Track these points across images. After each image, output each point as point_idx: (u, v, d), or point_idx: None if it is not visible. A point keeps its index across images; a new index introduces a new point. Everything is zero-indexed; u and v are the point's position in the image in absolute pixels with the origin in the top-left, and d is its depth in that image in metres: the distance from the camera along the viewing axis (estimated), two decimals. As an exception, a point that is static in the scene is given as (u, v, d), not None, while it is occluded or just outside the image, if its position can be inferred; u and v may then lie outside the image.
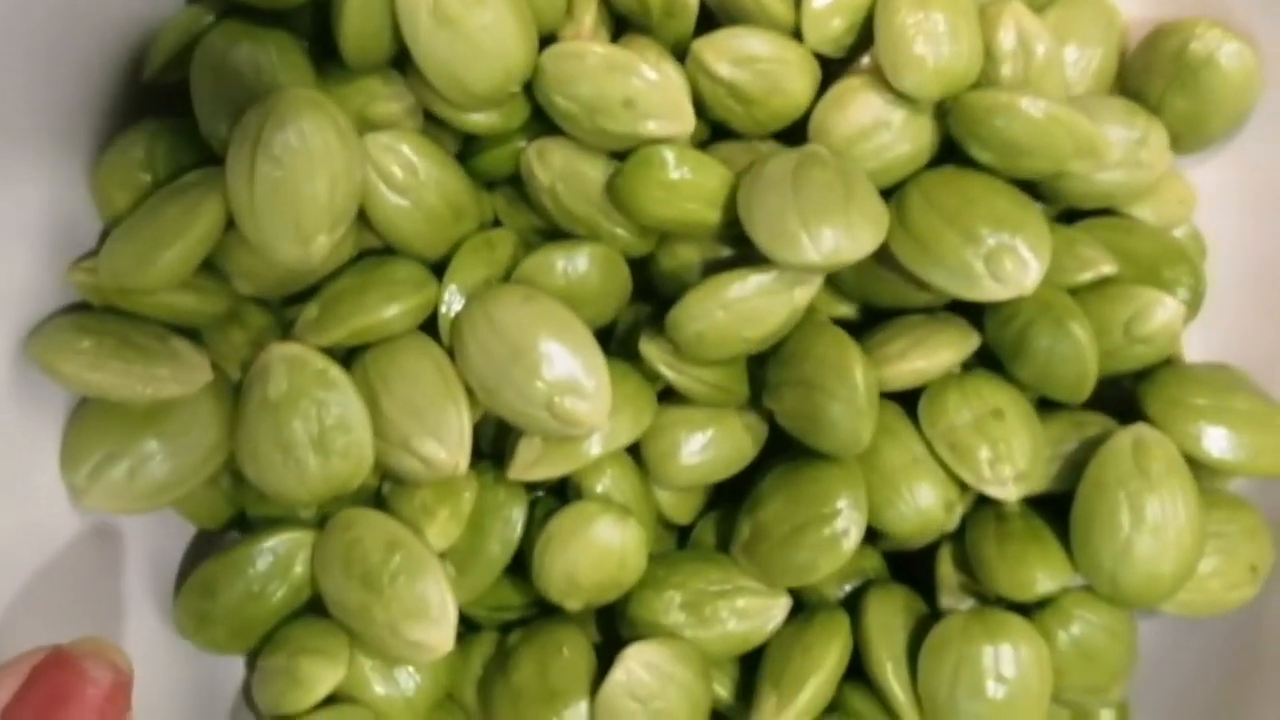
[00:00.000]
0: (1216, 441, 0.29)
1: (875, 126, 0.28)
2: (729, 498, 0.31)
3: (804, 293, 0.27)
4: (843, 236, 0.26)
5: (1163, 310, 0.29)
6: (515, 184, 0.30)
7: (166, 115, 0.27)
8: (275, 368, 0.27)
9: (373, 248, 0.29)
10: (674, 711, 0.28)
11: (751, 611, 0.29)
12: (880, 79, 0.28)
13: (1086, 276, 0.29)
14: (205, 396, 0.27)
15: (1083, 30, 0.31)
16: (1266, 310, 0.32)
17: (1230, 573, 0.29)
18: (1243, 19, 0.30)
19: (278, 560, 0.28)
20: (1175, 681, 0.31)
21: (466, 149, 0.30)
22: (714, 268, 0.29)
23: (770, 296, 0.27)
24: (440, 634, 0.26)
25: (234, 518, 0.30)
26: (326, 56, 0.28)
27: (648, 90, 0.27)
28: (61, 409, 0.27)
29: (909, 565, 0.31)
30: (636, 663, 0.27)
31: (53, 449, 0.27)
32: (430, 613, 0.27)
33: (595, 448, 0.28)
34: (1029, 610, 0.28)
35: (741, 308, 0.27)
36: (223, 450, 0.28)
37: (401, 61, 0.28)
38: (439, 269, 0.29)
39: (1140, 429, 0.28)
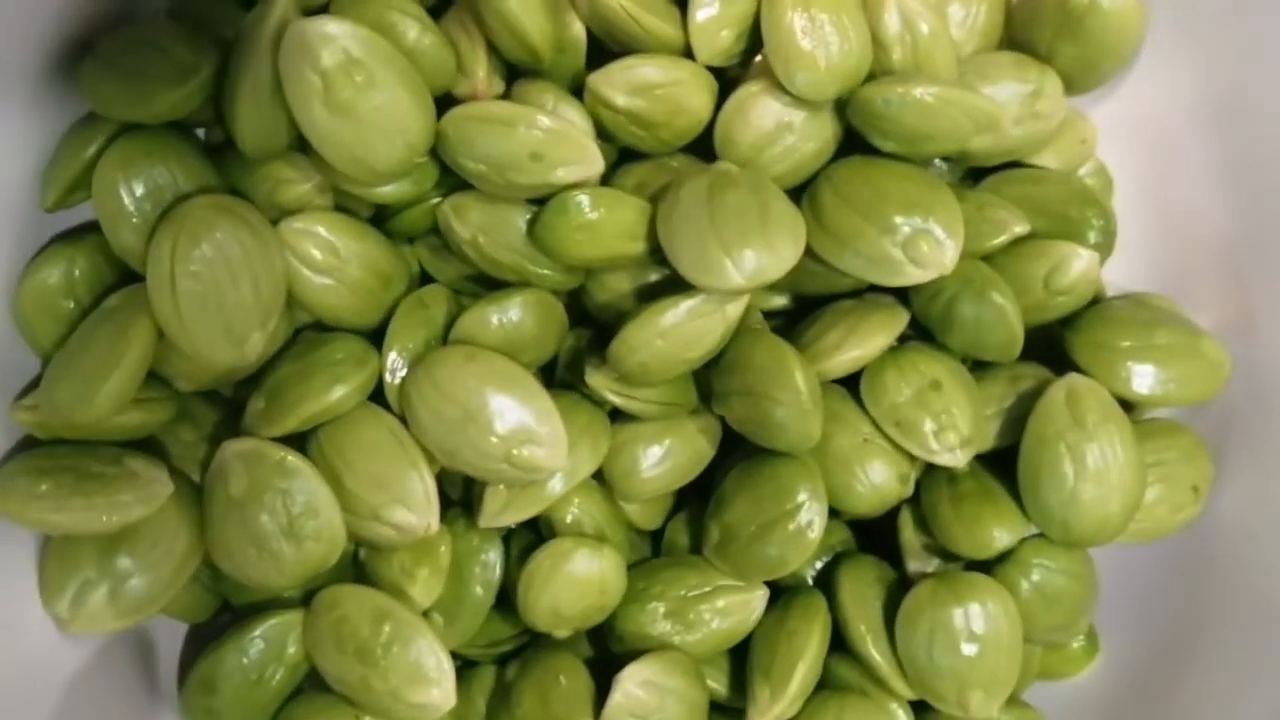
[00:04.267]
0: (1145, 380, 0.30)
1: (779, 130, 0.29)
2: (695, 492, 0.32)
3: (736, 308, 0.28)
4: (764, 255, 0.26)
5: (1079, 261, 0.30)
6: (437, 234, 0.30)
7: (78, 237, 0.27)
8: (232, 465, 0.28)
9: (308, 324, 0.30)
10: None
11: (733, 609, 0.30)
12: (777, 82, 0.28)
13: (1001, 240, 0.30)
14: (170, 505, 0.28)
15: (964, -14, 0.32)
16: (1171, 233, 0.33)
17: (1174, 497, 0.31)
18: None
19: (270, 645, 0.29)
20: (1138, 599, 0.33)
21: (383, 211, 0.30)
22: (645, 292, 0.30)
23: (704, 318, 0.28)
24: (442, 692, 0.27)
25: (220, 607, 0.31)
26: (229, 144, 0.28)
27: (552, 140, 0.27)
28: (33, 538, 0.28)
29: (871, 529, 0.33)
30: (632, 684, 0.28)
31: (33, 582, 0.27)
32: (429, 674, 0.27)
33: (559, 486, 0.29)
34: (991, 565, 0.30)
35: (678, 333, 0.28)
36: (197, 552, 0.28)
37: (304, 139, 0.27)
38: (377, 335, 0.29)
39: (1072, 380, 0.29)
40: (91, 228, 0.27)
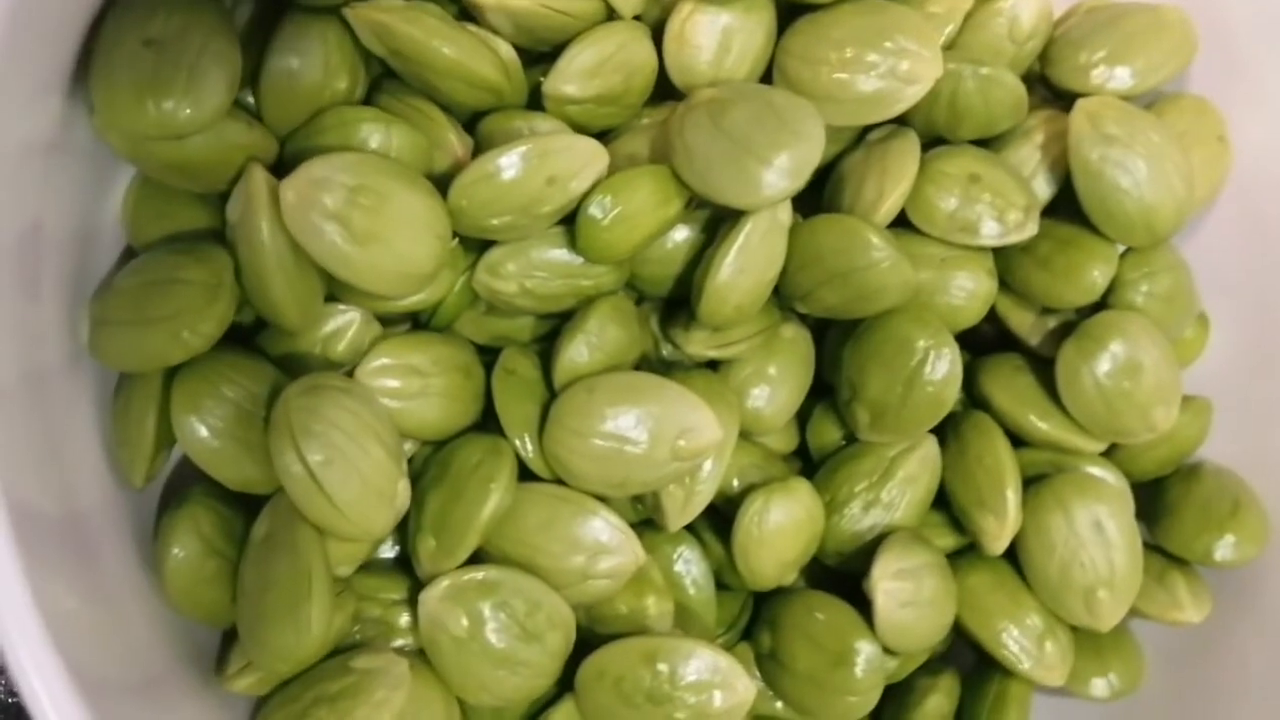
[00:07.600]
0: (1135, 71, 0.31)
1: (725, 36, 0.29)
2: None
3: (785, 212, 0.28)
4: (799, 147, 0.27)
5: (1028, 4, 0.31)
6: (473, 307, 0.30)
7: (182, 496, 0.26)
8: (443, 611, 0.27)
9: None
10: (938, 589, 0.29)
11: (916, 470, 0.31)
12: (698, -1, 0.29)
13: (954, 27, 0.31)
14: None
15: None
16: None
17: (1208, 152, 0.32)
18: None
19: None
20: (1219, 267, 0.34)
21: (418, 315, 0.29)
22: (690, 244, 0.30)
23: (766, 235, 0.28)
24: (742, 684, 0.27)
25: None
26: (258, 325, 0.27)
27: (556, 157, 0.26)
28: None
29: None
30: (887, 579, 0.29)
31: None
32: (725, 677, 0.27)
33: (720, 459, 0.29)
34: (1105, 300, 0.31)
35: (752, 261, 0.28)
36: (454, 708, 0.28)
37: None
38: (480, 426, 0.29)
39: (1083, 104, 0.30)
40: (184, 477, 0.26)
